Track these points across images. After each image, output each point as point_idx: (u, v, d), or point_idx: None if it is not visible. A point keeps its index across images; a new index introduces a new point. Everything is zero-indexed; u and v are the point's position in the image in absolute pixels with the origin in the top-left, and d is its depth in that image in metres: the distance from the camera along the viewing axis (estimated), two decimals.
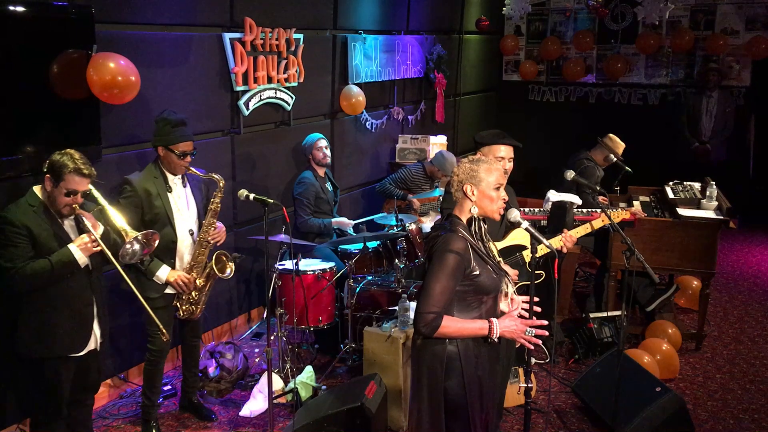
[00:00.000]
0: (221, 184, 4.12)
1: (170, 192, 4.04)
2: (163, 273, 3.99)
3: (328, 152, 5.67)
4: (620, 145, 6.06)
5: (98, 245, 3.37)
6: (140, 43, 4.45)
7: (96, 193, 3.49)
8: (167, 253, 4.03)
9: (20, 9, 3.66)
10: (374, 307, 5.04)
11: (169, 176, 4.05)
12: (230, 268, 4.20)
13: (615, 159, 6.02)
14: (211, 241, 4.14)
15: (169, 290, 4.05)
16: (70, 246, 3.34)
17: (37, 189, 3.38)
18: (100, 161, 4.21)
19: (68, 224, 3.43)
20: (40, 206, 3.34)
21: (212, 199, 4.12)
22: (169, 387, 4.77)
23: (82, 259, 3.36)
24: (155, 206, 3.96)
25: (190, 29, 4.86)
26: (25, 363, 3.48)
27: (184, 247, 4.11)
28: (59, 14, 3.86)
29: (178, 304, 4.12)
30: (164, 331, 3.76)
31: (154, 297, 3.97)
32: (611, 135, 6.12)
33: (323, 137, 5.70)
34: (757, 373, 5.11)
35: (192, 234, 4.13)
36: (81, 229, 3.43)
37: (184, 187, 4.14)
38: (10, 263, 3.24)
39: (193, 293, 4.13)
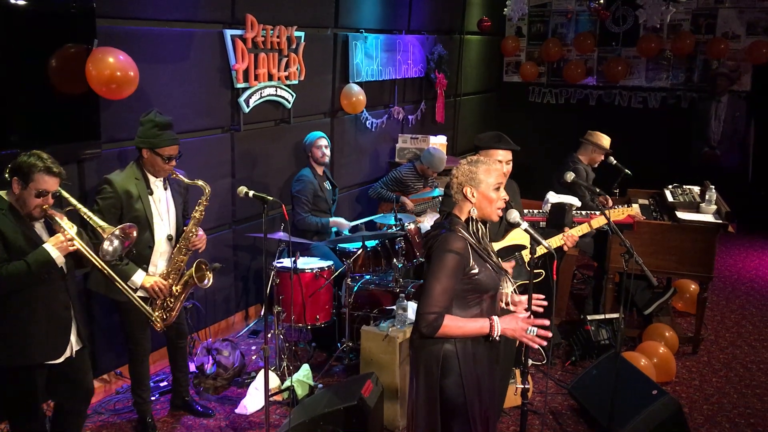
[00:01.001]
0: (207, 191, 4.01)
1: (151, 195, 3.94)
2: (139, 278, 3.88)
3: (327, 152, 5.66)
4: (602, 138, 5.93)
5: (74, 244, 3.28)
6: (141, 38, 4.44)
7: (66, 194, 3.41)
8: (142, 258, 3.92)
9: (22, 2, 3.66)
10: (372, 306, 5.03)
11: (151, 178, 3.95)
12: (208, 278, 4.08)
13: (604, 154, 5.89)
14: (192, 249, 4.05)
15: (140, 293, 3.91)
16: (45, 245, 3.23)
17: (2, 193, 3.27)
18: (99, 156, 4.21)
19: (39, 226, 3.34)
20: (8, 209, 3.22)
21: (196, 207, 4.01)
22: (165, 383, 4.76)
23: (59, 258, 3.26)
24: (135, 209, 3.86)
25: (191, 25, 4.85)
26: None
27: (160, 253, 4.01)
28: (60, 9, 3.85)
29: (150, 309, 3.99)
30: (153, 315, 3.73)
31: (123, 300, 3.85)
32: (591, 131, 6.01)
33: (324, 136, 5.69)
34: (753, 378, 5.12)
35: (171, 240, 4.04)
36: (52, 231, 3.34)
37: (165, 189, 4.04)
38: None
39: (168, 299, 4.01)
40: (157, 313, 3.97)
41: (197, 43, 4.89)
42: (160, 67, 4.62)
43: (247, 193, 3.81)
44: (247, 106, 5.37)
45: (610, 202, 5.77)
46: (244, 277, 5.79)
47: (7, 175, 3.21)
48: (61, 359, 3.44)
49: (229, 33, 5.10)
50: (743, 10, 8.78)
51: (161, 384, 4.75)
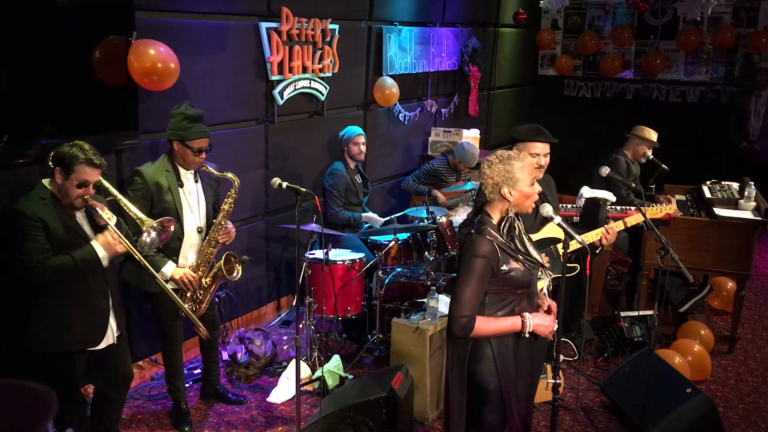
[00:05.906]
0: (236, 184, 4.00)
1: (182, 187, 3.95)
2: (169, 269, 3.90)
3: (364, 149, 5.71)
4: (648, 131, 5.78)
5: (122, 245, 3.33)
6: (178, 30, 4.50)
7: (107, 184, 3.46)
8: (172, 250, 3.94)
9: None
10: (403, 299, 5.04)
11: (182, 171, 3.96)
12: (237, 270, 4.09)
13: (649, 150, 5.76)
14: (221, 242, 4.05)
15: (171, 285, 3.90)
16: (94, 244, 3.30)
17: (45, 182, 3.31)
18: (137, 147, 4.29)
19: (80, 216, 3.39)
20: (50, 198, 3.27)
21: (225, 200, 4.01)
22: (198, 371, 4.83)
23: (105, 258, 3.33)
24: (165, 200, 3.87)
25: (227, 18, 4.90)
26: (35, 357, 3.37)
27: (189, 245, 4.02)
28: (101, 1, 3.91)
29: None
30: (201, 326, 3.77)
31: (154, 292, 3.90)
32: (637, 126, 5.86)
33: (363, 133, 5.73)
34: None
35: (200, 232, 4.05)
36: (92, 220, 3.39)
37: (196, 182, 4.05)
38: (26, 257, 3.19)
39: (198, 292, 4.03)
40: (187, 305, 3.95)
41: (233, 36, 4.94)
42: (197, 59, 4.67)
43: (280, 185, 3.83)
44: (281, 98, 5.41)
45: (661, 199, 5.59)
46: (276, 267, 5.84)
47: (50, 163, 3.25)
48: (102, 345, 3.50)
49: (264, 25, 5.14)
50: None
51: (195, 371, 4.82)
